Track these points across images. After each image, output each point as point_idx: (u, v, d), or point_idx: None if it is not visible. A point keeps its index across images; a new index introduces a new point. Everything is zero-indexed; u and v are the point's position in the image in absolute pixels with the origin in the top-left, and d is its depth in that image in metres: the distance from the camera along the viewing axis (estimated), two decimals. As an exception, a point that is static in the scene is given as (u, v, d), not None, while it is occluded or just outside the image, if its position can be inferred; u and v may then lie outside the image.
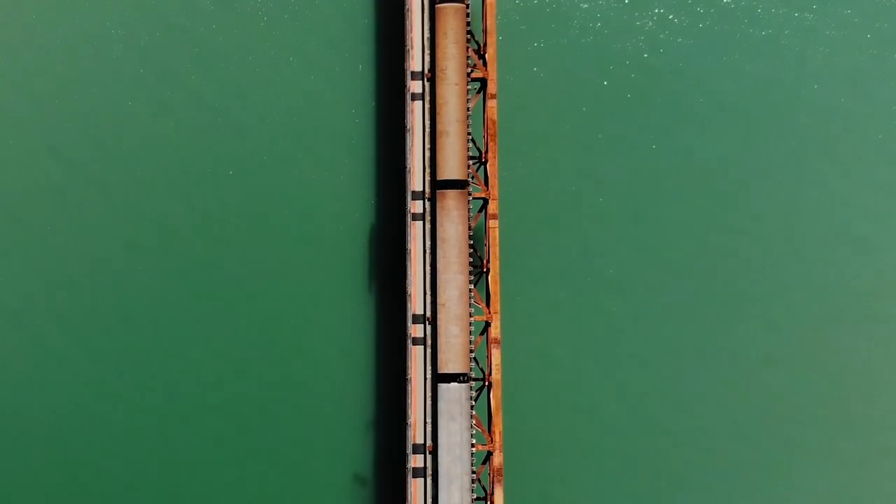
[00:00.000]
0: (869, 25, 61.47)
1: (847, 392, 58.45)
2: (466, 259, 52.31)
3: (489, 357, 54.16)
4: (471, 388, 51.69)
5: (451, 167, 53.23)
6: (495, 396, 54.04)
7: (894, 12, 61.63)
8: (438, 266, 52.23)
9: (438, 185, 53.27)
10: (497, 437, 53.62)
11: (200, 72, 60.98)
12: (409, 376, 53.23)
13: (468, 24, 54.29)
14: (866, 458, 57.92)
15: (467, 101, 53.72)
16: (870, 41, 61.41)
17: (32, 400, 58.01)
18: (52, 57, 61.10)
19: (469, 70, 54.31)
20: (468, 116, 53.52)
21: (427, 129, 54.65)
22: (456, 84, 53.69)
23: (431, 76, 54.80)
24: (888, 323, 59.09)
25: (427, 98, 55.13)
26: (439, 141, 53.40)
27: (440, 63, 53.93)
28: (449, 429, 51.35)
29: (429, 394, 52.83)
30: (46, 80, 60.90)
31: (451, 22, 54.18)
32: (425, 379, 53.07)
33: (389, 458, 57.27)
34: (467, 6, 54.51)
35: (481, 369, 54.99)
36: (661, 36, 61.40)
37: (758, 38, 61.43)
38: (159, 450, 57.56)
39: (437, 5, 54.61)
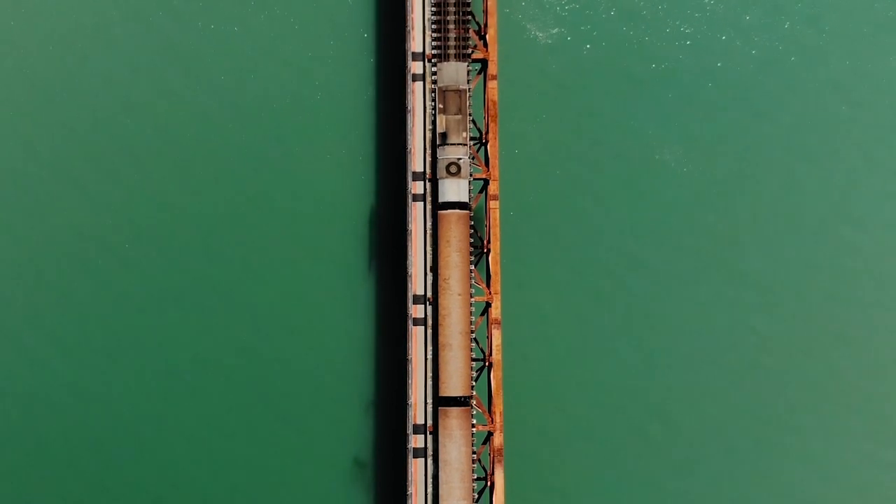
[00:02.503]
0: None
1: (846, 388, 58.73)
2: (471, 486, 50.46)
3: (489, 338, 54.08)
4: None
5: (455, 384, 51.05)
6: (496, 377, 53.94)
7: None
8: (441, 492, 50.40)
9: (440, 401, 51.15)
10: (497, 418, 53.50)
11: (201, 60, 61.06)
12: (409, 357, 53.20)
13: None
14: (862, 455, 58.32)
15: (471, 312, 51.71)
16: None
17: (34, 396, 58.21)
18: (45, 49, 61.22)
19: (470, 51, 54.30)
20: (472, 330, 51.76)
21: (428, 113, 54.62)
22: (459, 294, 51.52)
23: (433, 289, 52.74)
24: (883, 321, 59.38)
25: (428, 80, 55.14)
26: (441, 354, 51.32)
27: (443, 272, 51.76)
28: None
29: (429, 375, 53.06)
30: (27, 71, 60.86)
31: (454, 230, 52.04)
32: (426, 360, 53.04)
33: (391, 438, 57.18)
34: (470, 211, 52.54)
35: (482, 350, 54.90)
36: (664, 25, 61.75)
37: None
38: (167, 430, 57.54)
39: (439, 212, 52.53)
